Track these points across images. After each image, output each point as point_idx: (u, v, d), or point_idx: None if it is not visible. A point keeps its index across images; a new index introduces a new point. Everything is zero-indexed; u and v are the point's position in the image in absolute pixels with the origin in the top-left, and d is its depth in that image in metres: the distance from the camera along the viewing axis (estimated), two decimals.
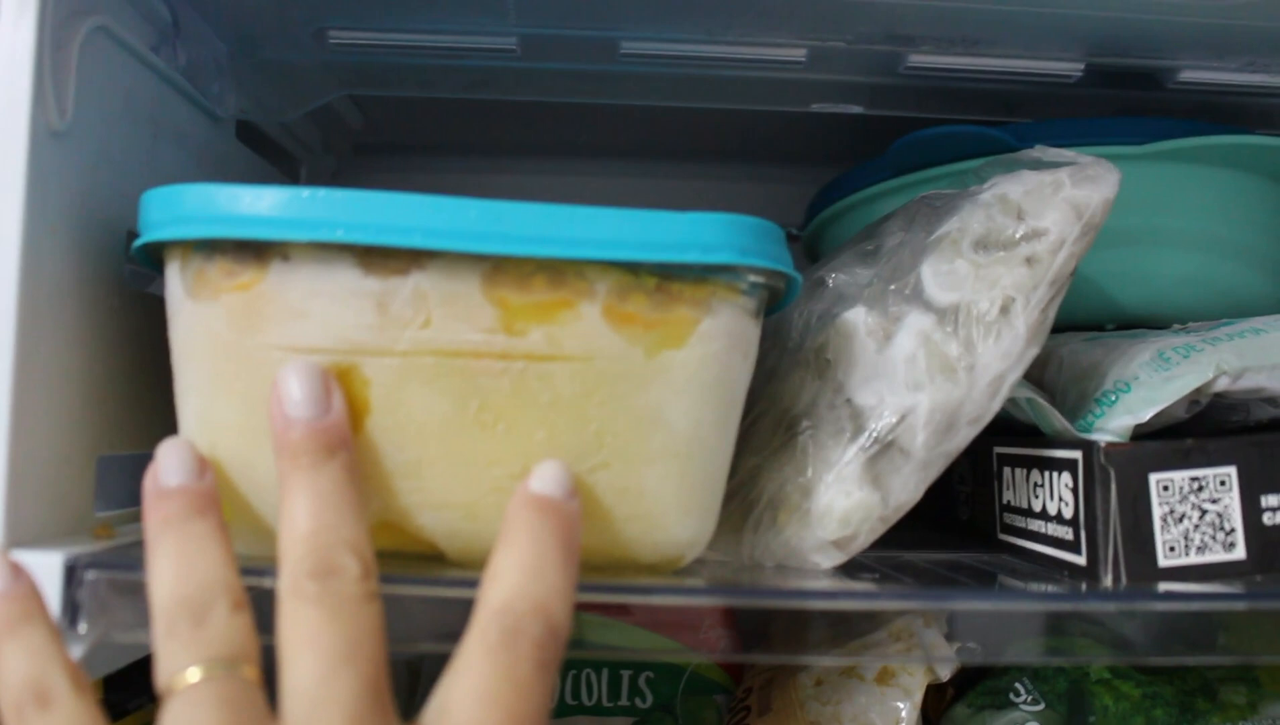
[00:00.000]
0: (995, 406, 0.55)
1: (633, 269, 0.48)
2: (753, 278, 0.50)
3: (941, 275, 0.56)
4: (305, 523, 0.43)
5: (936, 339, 0.55)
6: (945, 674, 0.67)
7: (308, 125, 0.84)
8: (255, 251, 0.47)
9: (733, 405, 0.52)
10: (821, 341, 0.58)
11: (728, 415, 0.52)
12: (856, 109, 0.71)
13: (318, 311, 0.47)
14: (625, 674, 0.78)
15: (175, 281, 0.49)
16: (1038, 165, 0.59)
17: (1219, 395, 0.59)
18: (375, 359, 0.47)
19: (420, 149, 0.95)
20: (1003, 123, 0.70)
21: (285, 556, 0.43)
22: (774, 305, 0.56)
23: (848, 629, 0.63)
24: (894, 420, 0.54)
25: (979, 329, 0.54)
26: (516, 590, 0.42)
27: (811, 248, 0.86)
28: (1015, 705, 0.68)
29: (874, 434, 0.55)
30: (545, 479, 0.46)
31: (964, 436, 0.55)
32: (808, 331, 0.60)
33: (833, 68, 0.66)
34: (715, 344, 0.49)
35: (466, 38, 0.63)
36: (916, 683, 0.67)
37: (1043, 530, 0.59)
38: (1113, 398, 0.59)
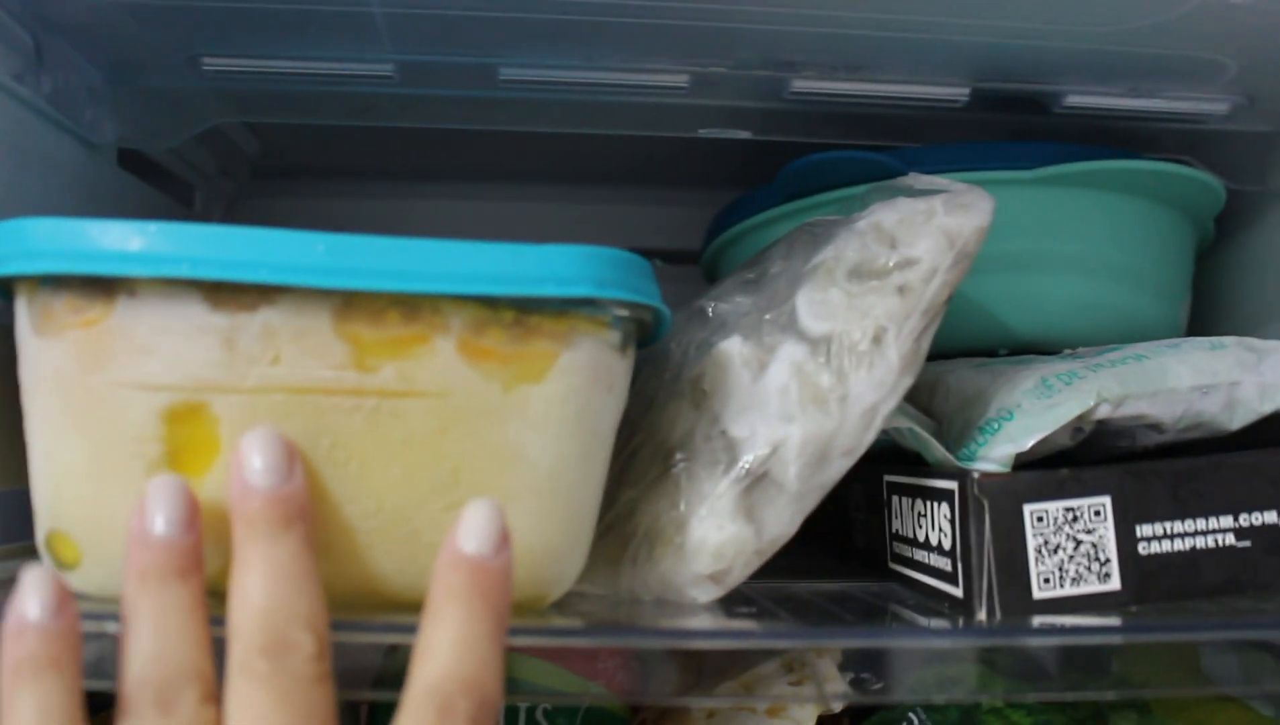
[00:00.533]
0: (869, 438, 0.54)
1: (490, 303, 0.47)
2: (618, 311, 0.50)
3: (816, 305, 0.55)
4: (260, 598, 0.41)
5: (809, 370, 0.54)
6: (837, 706, 0.67)
7: (200, 151, 0.83)
8: (102, 287, 0.46)
9: (597, 439, 0.51)
10: (699, 372, 0.57)
11: (592, 450, 0.51)
12: (744, 134, 0.70)
13: (165, 348, 0.45)
14: (522, 707, 0.76)
15: (23, 317, 0.48)
16: (915, 193, 0.58)
17: (1102, 422, 0.59)
18: (224, 396, 0.45)
19: (320, 173, 0.94)
20: (892, 147, 0.69)
21: (238, 631, 0.41)
22: (650, 336, 0.55)
23: (738, 661, 0.62)
24: (766, 452, 0.54)
25: (851, 359, 0.54)
26: (448, 670, 0.40)
27: (710, 273, 0.85)
28: None
29: (747, 467, 0.54)
30: (474, 535, 0.44)
31: (838, 468, 0.54)
32: (686, 361, 0.59)
33: (716, 93, 0.65)
34: (576, 378, 0.48)
35: (343, 64, 0.62)
36: (808, 714, 0.66)
37: (926, 561, 0.58)
38: (995, 426, 0.59)
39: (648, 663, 0.60)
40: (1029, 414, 0.58)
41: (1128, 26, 0.58)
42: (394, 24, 0.58)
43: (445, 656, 0.41)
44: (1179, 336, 0.75)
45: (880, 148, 0.68)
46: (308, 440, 0.46)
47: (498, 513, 0.44)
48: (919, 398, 0.68)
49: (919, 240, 0.54)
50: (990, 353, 0.71)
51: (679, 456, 0.56)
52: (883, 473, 0.65)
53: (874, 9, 0.57)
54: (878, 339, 0.54)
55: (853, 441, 0.54)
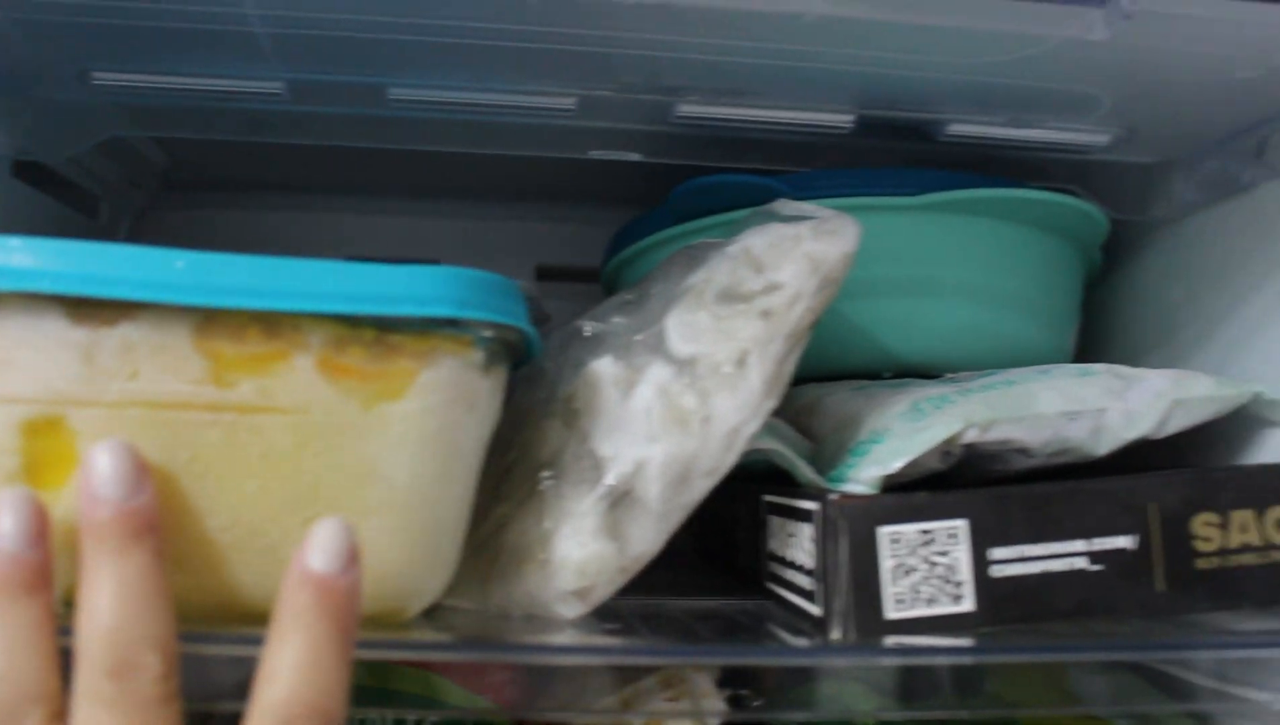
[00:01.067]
0: (731, 458, 0.55)
1: (351, 321, 0.47)
2: (482, 331, 0.50)
3: (684, 327, 0.56)
4: (107, 617, 0.41)
5: (674, 391, 0.55)
6: (713, 722, 0.67)
7: (104, 162, 0.83)
8: None
9: (458, 457, 0.52)
10: (571, 391, 0.58)
11: (452, 467, 0.51)
12: (634, 156, 0.71)
13: (24, 361, 0.46)
14: (410, 720, 0.77)
15: None
16: (788, 219, 0.59)
17: (970, 446, 0.60)
18: (82, 410, 0.46)
19: (233, 186, 0.94)
20: (782, 171, 0.71)
21: (83, 652, 0.41)
22: (524, 355, 0.56)
23: (617, 676, 0.63)
24: (630, 472, 0.54)
25: (715, 381, 0.55)
26: (290, 694, 0.40)
27: (609, 291, 0.86)
28: None
29: (611, 485, 0.55)
30: (322, 551, 0.43)
31: (700, 488, 0.55)
32: (560, 380, 0.60)
33: (604, 116, 0.66)
34: (436, 397, 0.49)
35: (232, 81, 0.63)
36: None
37: (794, 580, 0.59)
38: (866, 448, 0.60)
39: (533, 677, 0.61)
40: (898, 437, 0.59)
41: (1000, 60, 0.59)
42: (279, 43, 0.59)
43: (289, 679, 0.41)
44: (1067, 361, 0.77)
45: (769, 171, 0.70)
46: (166, 454, 0.46)
47: (346, 530, 0.44)
48: (800, 419, 0.69)
49: (785, 265, 0.56)
50: (876, 375, 0.72)
51: (548, 474, 0.57)
52: (761, 493, 0.66)
53: (754, 39, 0.58)
54: (741, 362, 0.55)
55: (715, 462, 0.55)
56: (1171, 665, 0.63)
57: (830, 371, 0.72)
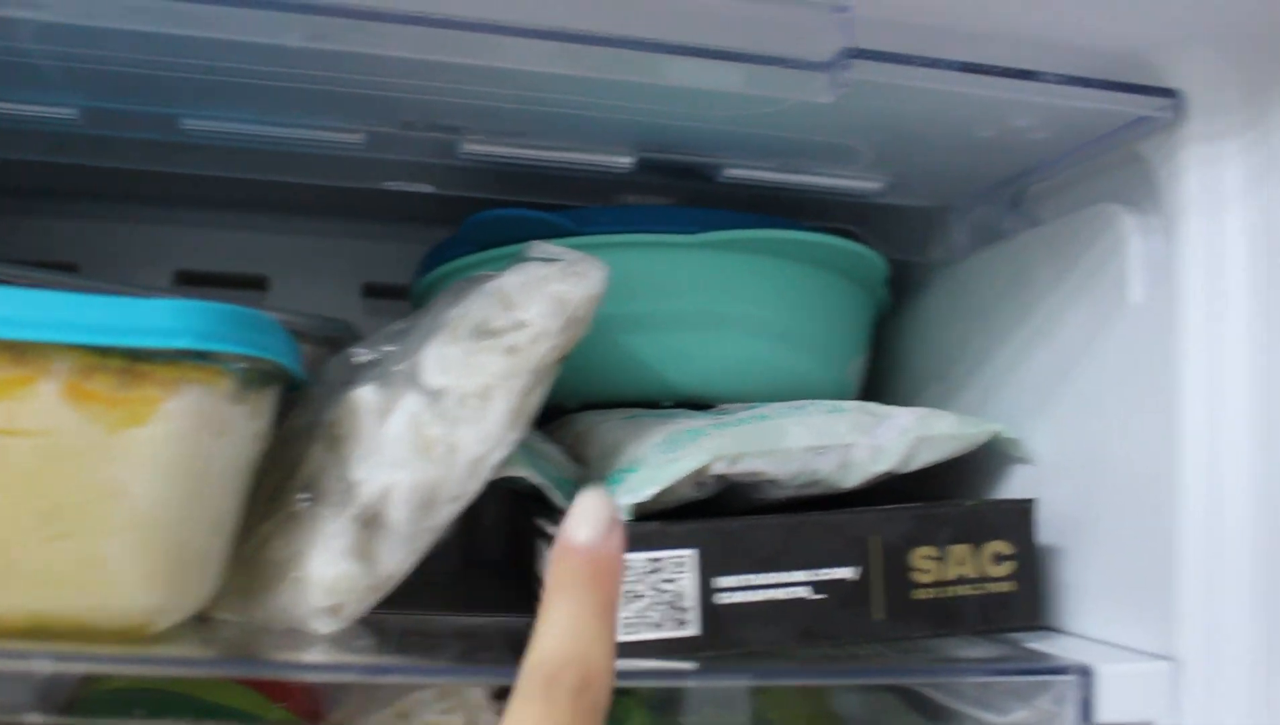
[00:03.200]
0: (474, 486, 0.58)
1: (100, 350, 0.50)
2: (236, 362, 0.53)
3: (438, 359, 0.59)
4: None
5: (423, 421, 0.58)
6: None
7: None
8: None
9: (207, 480, 0.54)
10: (335, 416, 0.61)
11: (199, 489, 0.54)
12: (428, 189, 0.74)
13: None
14: None
15: None
16: (543, 259, 0.62)
17: (722, 477, 0.63)
18: None
19: (57, 195, 0.95)
20: (569, 207, 0.74)
21: None
22: (294, 381, 0.59)
23: (399, 687, 0.66)
24: (378, 496, 0.57)
25: (462, 412, 0.58)
26: (556, 651, 0.41)
27: None
28: None
29: (360, 508, 0.58)
30: (586, 523, 0.44)
31: (446, 513, 0.58)
32: (327, 405, 0.62)
33: (393, 150, 0.69)
34: (180, 422, 0.51)
35: (26, 106, 0.65)
36: None
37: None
38: (621, 477, 0.63)
39: (326, 688, 0.64)
40: (651, 467, 0.63)
41: (755, 114, 0.62)
42: (69, 75, 0.61)
43: (555, 638, 0.42)
44: (848, 395, 0.80)
45: (557, 207, 0.73)
46: None
47: (608, 502, 0.45)
48: (575, 445, 0.72)
49: (532, 304, 0.59)
50: (657, 404, 0.75)
51: (304, 496, 0.60)
52: (534, 516, 0.69)
53: (520, 88, 0.61)
54: (486, 395, 0.58)
55: (459, 489, 0.58)
56: (927, 688, 0.67)
57: (613, 400, 0.75)
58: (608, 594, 0.43)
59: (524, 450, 0.64)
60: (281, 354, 0.56)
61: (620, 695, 0.72)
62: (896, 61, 0.55)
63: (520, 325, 0.58)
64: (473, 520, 1.03)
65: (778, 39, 0.54)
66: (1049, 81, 0.58)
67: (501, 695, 0.66)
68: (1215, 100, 0.59)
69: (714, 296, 0.74)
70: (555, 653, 0.41)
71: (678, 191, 0.78)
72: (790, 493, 0.66)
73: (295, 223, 1.00)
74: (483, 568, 1.02)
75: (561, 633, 0.42)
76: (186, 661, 0.56)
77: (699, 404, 0.75)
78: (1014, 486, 0.73)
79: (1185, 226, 0.60)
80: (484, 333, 0.59)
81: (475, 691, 0.66)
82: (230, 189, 0.91)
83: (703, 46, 0.53)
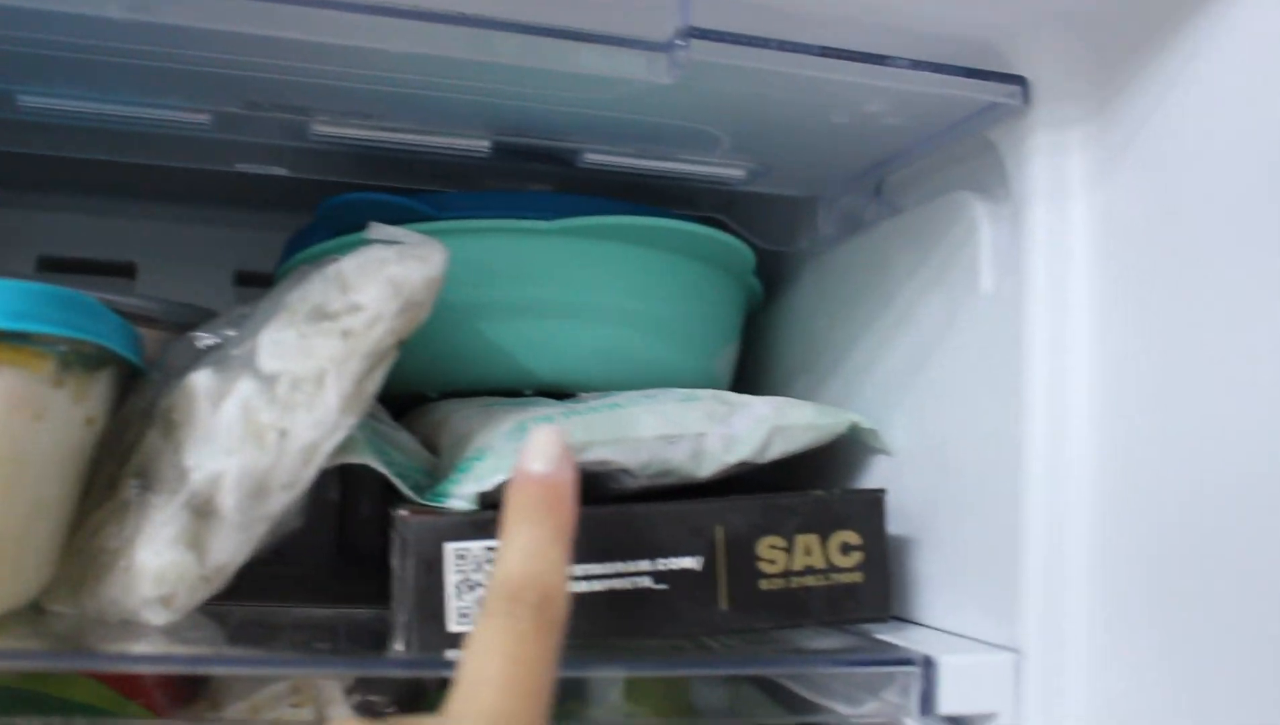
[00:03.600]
0: (309, 473, 0.57)
1: None
2: (57, 345, 0.52)
3: (274, 344, 0.57)
4: None
5: (255, 406, 0.56)
6: None
7: None
8: None
9: (22, 466, 0.52)
10: (171, 402, 0.59)
11: (20, 475, 0.52)
12: (281, 171, 0.72)
13: None
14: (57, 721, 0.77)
15: None
16: (383, 242, 0.61)
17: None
18: None
19: None
20: (430, 191, 0.72)
21: None
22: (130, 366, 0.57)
23: (253, 683, 0.64)
24: (207, 483, 0.56)
25: (295, 398, 0.56)
26: (518, 571, 0.46)
27: None
28: None
29: (190, 496, 0.56)
30: (540, 456, 0.50)
31: (279, 501, 0.57)
32: (164, 391, 0.61)
33: (242, 131, 0.67)
34: None
35: None
36: None
37: (394, 592, 0.61)
38: (469, 465, 0.62)
39: (180, 684, 0.62)
40: (498, 455, 0.61)
41: (606, 97, 0.61)
42: None
43: (516, 560, 0.47)
44: (715, 386, 0.79)
45: (416, 191, 0.71)
46: None
47: (557, 435, 0.51)
48: (431, 434, 0.71)
49: (368, 287, 0.57)
50: (518, 393, 0.74)
51: (137, 483, 0.58)
52: (389, 509, 0.67)
53: (371, 67, 0.59)
54: (320, 380, 0.56)
55: (291, 476, 0.56)
56: (786, 680, 0.66)
57: (473, 388, 0.74)
58: (562, 518, 0.48)
59: (369, 437, 0.63)
60: (107, 337, 0.54)
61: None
62: (737, 42, 0.54)
63: (356, 308, 0.57)
64: (348, 513, 1.02)
65: (617, 18, 0.53)
66: (899, 66, 0.58)
67: (356, 689, 0.64)
68: (1061, 87, 0.59)
69: (574, 284, 0.73)
70: (517, 573, 0.46)
71: (543, 177, 0.76)
72: (644, 483, 0.65)
73: (165, 209, 0.98)
74: (357, 561, 1.01)
75: (522, 555, 0.47)
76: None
77: (561, 394, 0.74)
78: (874, 478, 0.73)
79: (1032, 215, 0.59)
80: (320, 316, 0.58)
81: (329, 686, 0.64)
82: (95, 173, 0.89)
83: (537, 24, 0.52)
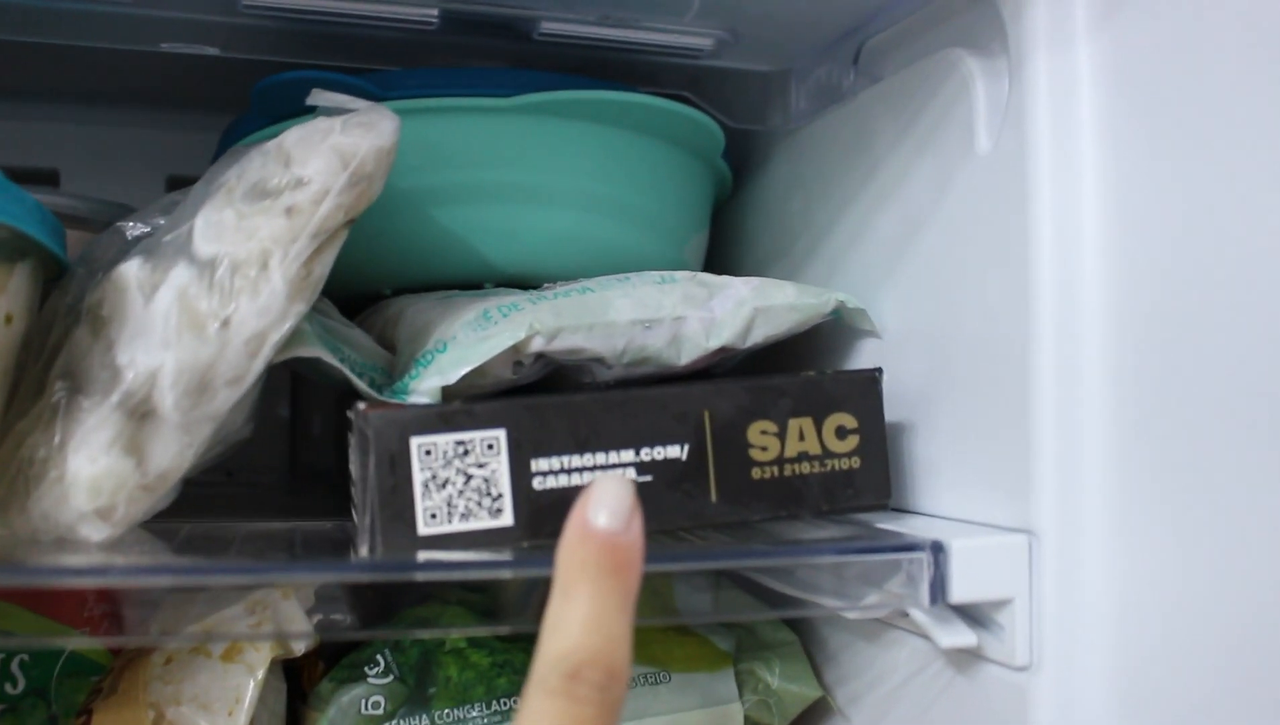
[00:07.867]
0: (257, 366, 0.52)
1: None
2: None
3: (210, 226, 0.52)
4: None
5: (192, 294, 0.51)
6: (299, 649, 0.64)
7: None
8: None
9: None
10: (99, 297, 0.54)
11: None
12: (211, 50, 0.66)
13: None
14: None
15: None
16: (332, 113, 0.56)
17: (541, 355, 0.58)
18: None
19: None
20: (372, 70, 0.67)
21: None
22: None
23: (209, 603, 0.60)
24: (143, 381, 0.51)
25: (235, 284, 0.51)
26: (577, 644, 0.40)
27: None
28: (366, 678, 0.66)
29: (124, 396, 0.51)
30: (606, 509, 0.42)
31: (224, 398, 0.52)
32: (90, 285, 0.55)
33: (167, 6, 0.61)
34: None
35: None
36: (262, 658, 0.63)
37: (354, 497, 0.56)
38: (430, 357, 0.57)
39: (130, 606, 0.57)
40: (461, 346, 0.57)
41: None
42: None
43: (575, 631, 0.40)
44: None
45: (358, 70, 0.66)
46: None
47: (629, 488, 0.43)
48: (387, 330, 0.66)
49: (312, 159, 0.52)
50: (478, 285, 0.69)
51: (64, 385, 0.53)
52: (345, 409, 0.63)
53: None
54: (263, 263, 0.51)
55: (237, 370, 0.51)
56: (765, 577, 0.62)
57: (431, 282, 0.69)
58: (628, 585, 0.42)
59: (319, 330, 0.58)
60: (21, 220, 0.49)
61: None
62: None
63: (299, 183, 0.52)
64: (301, 428, 0.97)
65: None
66: None
67: (318, 608, 0.60)
68: None
69: (535, 166, 0.68)
70: (579, 646, 0.40)
71: (494, 54, 0.71)
72: (620, 373, 0.61)
73: (91, 113, 0.93)
74: (311, 479, 0.97)
75: (584, 626, 0.40)
76: None
77: (523, 285, 0.69)
78: (863, 363, 0.68)
79: (1033, 66, 0.55)
80: (260, 194, 0.52)
81: (288, 604, 0.60)
82: (11, 73, 0.83)
83: None
